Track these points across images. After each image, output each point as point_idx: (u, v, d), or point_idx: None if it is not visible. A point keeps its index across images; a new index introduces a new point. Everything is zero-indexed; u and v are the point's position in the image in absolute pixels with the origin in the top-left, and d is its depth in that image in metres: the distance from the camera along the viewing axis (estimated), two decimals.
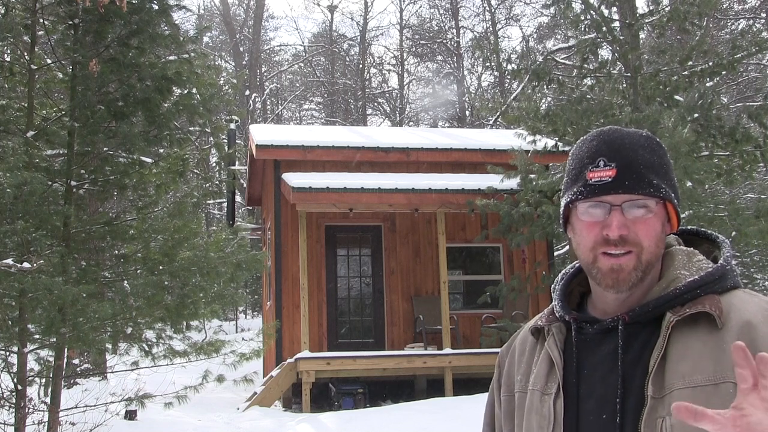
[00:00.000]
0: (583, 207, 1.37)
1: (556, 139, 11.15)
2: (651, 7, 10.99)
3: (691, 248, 1.41)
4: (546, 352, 1.43)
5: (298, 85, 38.03)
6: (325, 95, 37.43)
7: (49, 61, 7.85)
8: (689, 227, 1.49)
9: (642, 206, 1.34)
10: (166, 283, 7.53)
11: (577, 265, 1.48)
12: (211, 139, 17.09)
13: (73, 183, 7.36)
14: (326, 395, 11.63)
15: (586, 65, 10.90)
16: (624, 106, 10.52)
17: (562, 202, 1.43)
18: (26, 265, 6.24)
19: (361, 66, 35.35)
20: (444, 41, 35.13)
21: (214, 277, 7.57)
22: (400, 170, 13.04)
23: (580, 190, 1.37)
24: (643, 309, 1.33)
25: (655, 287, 1.35)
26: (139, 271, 7.70)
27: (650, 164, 1.36)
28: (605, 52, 12.05)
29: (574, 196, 1.38)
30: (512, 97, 18.42)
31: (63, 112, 7.69)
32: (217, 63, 26.06)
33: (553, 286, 1.51)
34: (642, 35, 12.39)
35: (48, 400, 7.19)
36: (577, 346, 1.39)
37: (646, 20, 10.87)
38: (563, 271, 1.52)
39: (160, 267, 7.49)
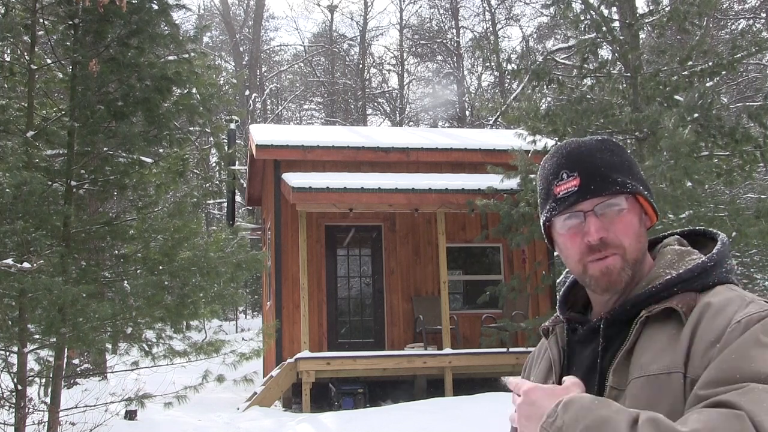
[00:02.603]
0: (560, 221, 1.40)
1: (556, 139, 11.14)
2: (651, 7, 10.99)
3: (689, 248, 1.42)
4: (547, 351, 1.48)
5: (298, 85, 38.03)
6: (325, 95, 37.43)
7: (49, 61, 7.85)
8: (697, 228, 1.50)
9: (614, 205, 1.37)
10: (166, 283, 7.53)
11: None
12: (211, 139, 17.09)
13: (73, 183, 7.36)
14: (326, 395, 11.63)
15: (586, 65, 10.90)
16: (624, 106, 10.52)
17: (541, 223, 1.47)
18: (26, 265, 6.24)
19: (361, 66, 35.35)
20: (444, 41, 35.13)
21: (214, 277, 7.57)
22: (400, 170, 13.03)
23: (552, 206, 1.40)
24: (622, 308, 1.35)
25: (636, 286, 1.38)
26: (139, 271, 7.70)
27: (610, 164, 1.39)
28: (605, 52, 12.05)
29: (548, 213, 1.42)
30: (512, 97, 18.42)
31: (63, 112, 7.69)
32: (217, 63, 26.05)
33: (561, 288, 1.55)
34: (642, 35, 12.39)
35: (48, 400, 7.19)
36: (569, 345, 1.44)
37: (646, 20, 10.86)
38: (566, 272, 1.54)
39: (160, 267, 7.49)
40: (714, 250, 1.36)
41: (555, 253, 15.44)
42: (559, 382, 1.39)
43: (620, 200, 1.37)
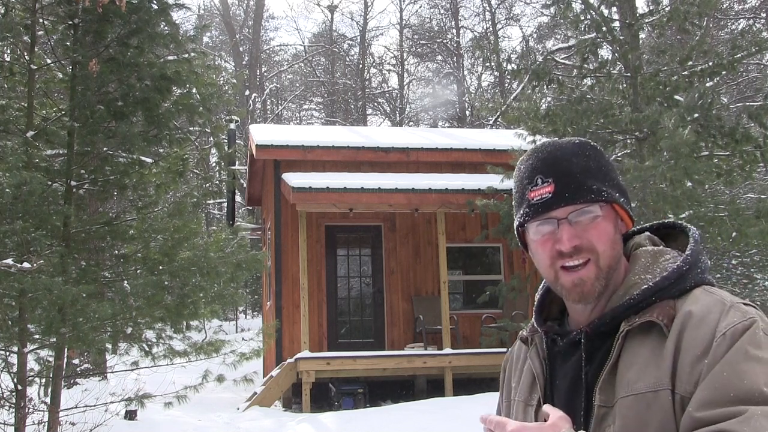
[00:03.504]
0: (533, 227, 1.37)
1: (556, 139, 11.11)
2: (651, 7, 10.98)
3: (661, 247, 1.40)
4: (529, 363, 1.45)
5: (298, 85, 38.03)
6: (325, 95, 37.43)
7: (49, 61, 7.85)
8: (666, 221, 1.47)
9: (588, 212, 1.34)
10: (166, 283, 7.53)
11: None
12: (211, 138, 17.09)
13: (73, 183, 7.35)
14: (326, 395, 11.63)
15: (586, 65, 10.89)
16: (624, 106, 10.51)
17: (515, 227, 1.44)
18: (26, 265, 6.24)
19: (361, 66, 35.35)
20: (444, 41, 35.13)
21: (214, 277, 7.57)
22: (400, 170, 13.04)
23: (526, 211, 1.37)
24: (602, 320, 1.33)
25: (614, 296, 1.35)
26: (139, 271, 7.70)
27: (587, 170, 1.36)
28: (605, 52, 12.04)
29: (521, 218, 1.39)
30: (512, 97, 18.42)
31: (63, 112, 7.68)
32: (216, 63, 26.05)
33: (536, 294, 1.52)
34: (642, 35, 12.38)
35: (48, 400, 7.18)
36: (550, 358, 1.41)
37: (646, 20, 10.85)
38: (544, 281, 1.50)
39: (160, 267, 7.48)
40: (687, 250, 1.34)
41: None
42: (544, 397, 1.38)
43: (595, 208, 1.34)
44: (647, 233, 1.45)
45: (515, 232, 1.45)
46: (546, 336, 1.43)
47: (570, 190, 1.34)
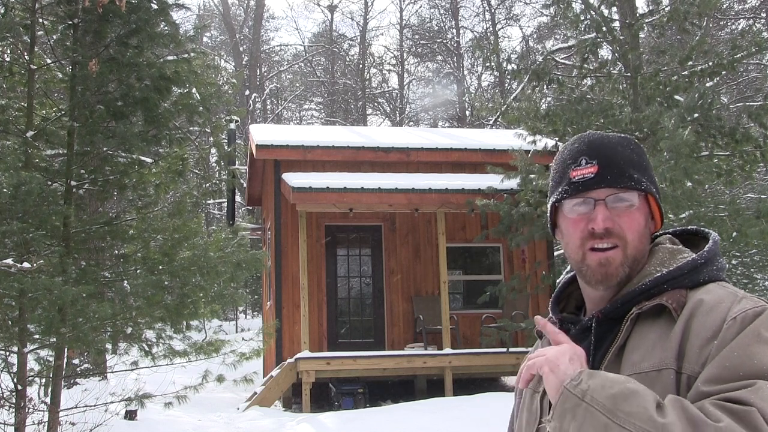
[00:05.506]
0: (569, 205, 1.41)
1: (556, 139, 11.14)
2: (651, 7, 10.98)
3: (681, 247, 1.42)
4: None
5: (298, 85, 38.02)
6: (325, 95, 37.43)
7: (48, 61, 7.85)
8: (689, 227, 1.51)
9: (625, 200, 1.38)
10: (166, 283, 7.52)
11: None
12: (211, 138, 17.10)
13: (73, 183, 7.35)
14: (326, 395, 11.63)
15: (586, 65, 10.89)
16: (624, 106, 10.51)
17: (549, 204, 1.47)
18: (26, 265, 6.24)
19: (361, 66, 35.35)
20: (444, 41, 35.13)
21: (214, 276, 7.57)
22: (400, 170, 13.03)
23: (565, 188, 1.41)
24: (613, 306, 1.36)
25: (628, 285, 1.38)
26: (138, 271, 7.69)
27: (630, 160, 1.40)
28: (605, 52, 12.05)
29: (559, 195, 1.42)
30: (512, 97, 18.41)
31: (62, 112, 7.68)
32: (216, 62, 26.03)
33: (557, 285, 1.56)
34: (642, 35, 12.38)
35: (48, 400, 7.18)
36: None
37: (646, 20, 10.85)
38: (565, 273, 1.54)
39: (160, 267, 7.48)
40: (705, 249, 1.37)
41: (555, 253, 15.37)
42: None
43: (632, 196, 1.38)
44: (668, 235, 1.48)
45: (548, 210, 1.48)
46: (561, 325, 1.46)
47: (612, 173, 1.38)
